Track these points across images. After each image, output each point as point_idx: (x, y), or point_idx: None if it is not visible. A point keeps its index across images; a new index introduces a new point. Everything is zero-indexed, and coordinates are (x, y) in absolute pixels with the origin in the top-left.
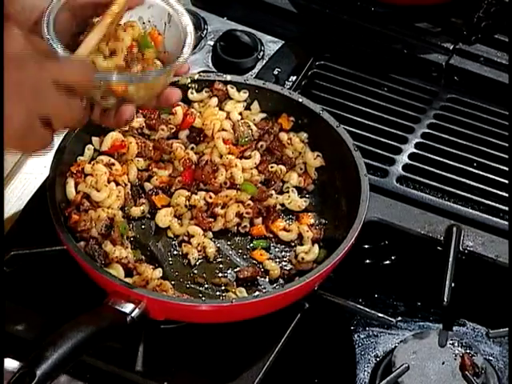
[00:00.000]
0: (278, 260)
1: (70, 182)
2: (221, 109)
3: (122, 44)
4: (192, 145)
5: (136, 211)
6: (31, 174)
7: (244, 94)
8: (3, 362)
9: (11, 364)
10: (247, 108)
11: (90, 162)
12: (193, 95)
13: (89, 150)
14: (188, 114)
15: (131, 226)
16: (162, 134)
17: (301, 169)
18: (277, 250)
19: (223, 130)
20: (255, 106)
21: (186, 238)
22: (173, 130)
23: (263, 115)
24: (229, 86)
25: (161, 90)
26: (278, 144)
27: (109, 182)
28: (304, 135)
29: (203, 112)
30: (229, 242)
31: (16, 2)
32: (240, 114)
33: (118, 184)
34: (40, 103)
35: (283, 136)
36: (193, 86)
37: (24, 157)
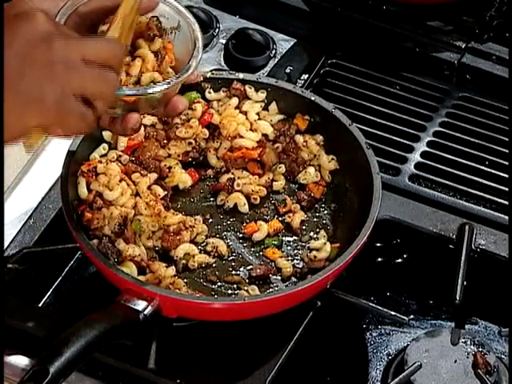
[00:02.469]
0: (290, 258)
1: (82, 182)
2: (237, 107)
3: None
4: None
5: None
6: (44, 171)
7: (262, 94)
8: (3, 361)
9: (23, 361)
10: (265, 108)
11: (101, 161)
12: (210, 95)
13: (104, 150)
14: (207, 112)
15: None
16: (177, 124)
17: (315, 170)
18: (289, 248)
19: (240, 136)
20: (273, 106)
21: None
22: (185, 120)
23: (281, 116)
24: (247, 86)
25: (169, 100)
26: (293, 146)
27: (121, 180)
28: (320, 137)
29: (222, 111)
30: (241, 240)
31: (23, 7)
32: (257, 114)
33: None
34: (73, 80)
35: (299, 138)
36: (207, 85)
37: (35, 155)
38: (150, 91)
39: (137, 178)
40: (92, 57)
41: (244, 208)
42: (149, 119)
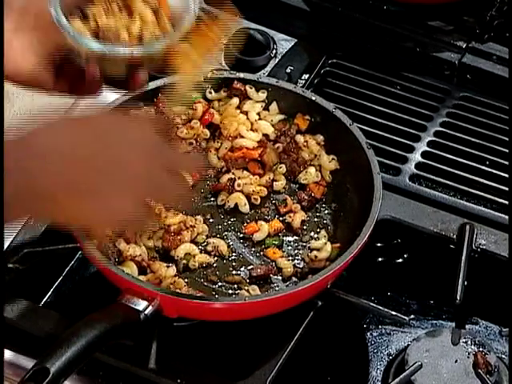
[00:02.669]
0: (290, 258)
1: None
2: (238, 107)
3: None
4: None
5: None
6: None
7: (262, 94)
8: (3, 361)
9: (24, 361)
10: (265, 108)
11: None
12: (211, 94)
13: None
14: (207, 112)
15: None
16: (178, 124)
17: (316, 170)
18: (290, 248)
19: (241, 136)
20: (274, 106)
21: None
22: (187, 122)
23: (281, 116)
24: (247, 86)
25: (168, 53)
26: (294, 146)
27: None
28: (320, 137)
29: (223, 111)
30: (242, 240)
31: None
32: (258, 114)
33: None
34: (152, 192)
35: (299, 138)
36: (207, 85)
37: None
38: (155, 48)
39: None
40: (175, 166)
41: (245, 208)
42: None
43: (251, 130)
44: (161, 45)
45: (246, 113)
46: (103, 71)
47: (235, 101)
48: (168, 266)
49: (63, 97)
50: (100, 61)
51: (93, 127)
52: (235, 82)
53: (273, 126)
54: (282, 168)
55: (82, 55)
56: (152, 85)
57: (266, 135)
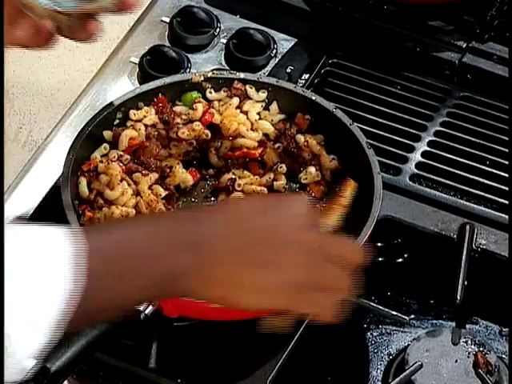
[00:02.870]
0: None
1: (83, 181)
2: (238, 107)
3: None
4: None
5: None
6: (44, 171)
7: (262, 94)
8: (3, 361)
9: None
10: (266, 108)
11: (101, 161)
12: (211, 94)
13: (105, 150)
14: (208, 111)
15: None
16: (178, 124)
17: (316, 170)
18: None
19: (241, 136)
20: (274, 106)
21: None
22: (187, 122)
23: (282, 116)
24: (247, 86)
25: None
26: (294, 145)
27: (122, 180)
28: (320, 137)
29: (223, 111)
30: None
31: None
32: (258, 114)
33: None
34: (318, 273)
35: (300, 138)
36: (207, 85)
37: (36, 154)
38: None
39: (138, 177)
40: (337, 259)
41: None
42: (150, 119)
43: (251, 129)
44: None
45: (246, 112)
46: (56, 24)
47: (235, 101)
48: None
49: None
50: (52, 15)
51: (247, 205)
52: (235, 81)
53: (273, 125)
54: (283, 168)
55: (35, 10)
56: (152, 85)
57: (266, 135)
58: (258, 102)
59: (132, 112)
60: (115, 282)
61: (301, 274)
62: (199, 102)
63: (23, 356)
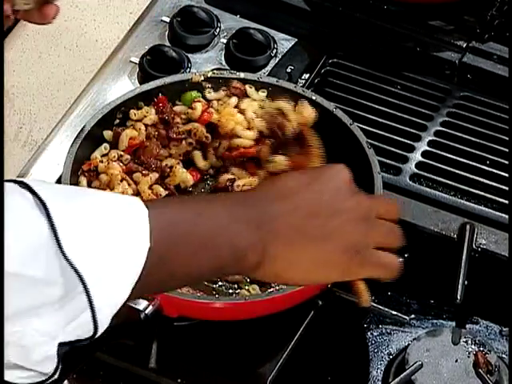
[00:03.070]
0: None
1: (83, 181)
2: (236, 106)
3: None
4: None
5: None
6: (45, 171)
7: (262, 94)
8: (3, 361)
9: None
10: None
11: (102, 161)
12: (210, 94)
13: (105, 149)
14: (206, 111)
15: None
16: (178, 124)
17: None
18: None
19: (238, 136)
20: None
21: None
22: (187, 122)
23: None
24: (247, 86)
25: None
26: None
27: (122, 180)
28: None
29: (221, 110)
30: None
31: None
32: (255, 112)
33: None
34: (374, 234)
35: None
36: (207, 85)
37: (36, 154)
38: None
39: (138, 177)
40: (384, 214)
41: None
42: (150, 119)
43: (248, 128)
44: None
45: (243, 111)
46: (14, 6)
47: (233, 100)
48: None
49: None
50: None
51: (295, 178)
52: (235, 81)
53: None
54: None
55: None
56: (152, 84)
57: (261, 132)
58: (256, 100)
59: (132, 112)
60: (185, 251)
61: (358, 238)
62: (198, 101)
63: (107, 311)
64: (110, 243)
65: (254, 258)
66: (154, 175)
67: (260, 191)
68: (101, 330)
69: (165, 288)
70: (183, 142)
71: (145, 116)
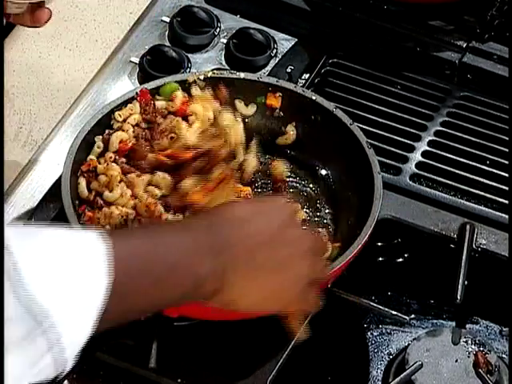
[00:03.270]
0: None
1: (82, 182)
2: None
3: None
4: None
5: None
6: (44, 171)
7: (252, 109)
8: (3, 360)
9: None
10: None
11: (99, 162)
12: (196, 91)
13: (99, 148)
14: (185, 102)
15: None
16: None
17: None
18: None
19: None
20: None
21: None
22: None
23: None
24: (237, 101)
25: None
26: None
27: (121, 181)
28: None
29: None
30: None
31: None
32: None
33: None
34: (304, 269)
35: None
36: (201, 84)
37: (36, 154)
38: None
39: (133, 178)
40: (313, 248)
41: None
42: (134, 119)
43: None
44: None
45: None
46: (6, 10)
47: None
48: None
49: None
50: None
51: (249, 207)
52: (221, 87)
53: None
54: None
55: None
56: (152, 85)
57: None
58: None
59: (117, 113)
60: (146, 282)
61: (304, 271)
62: (177, 93)
63: (72, 350)
64: (68, 283)
65: (213, 285)
66: (147, 177)
67: (219, 217)
68: (67, 370)
69: (128, 318)
70: (164, 138)
71: (130, 114)
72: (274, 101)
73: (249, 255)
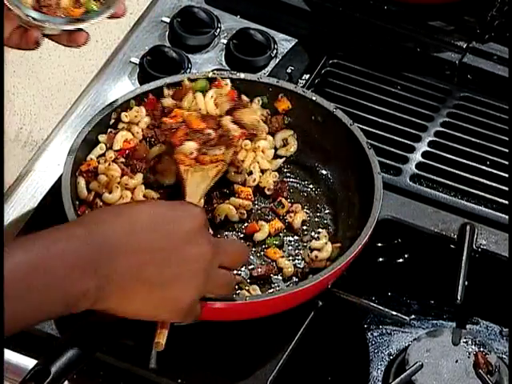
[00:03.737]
0: (291, 258)
1: (81, 182)
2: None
3: None
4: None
5: None
6: (45, 172)
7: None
8: (3, 361)
9: (25, 361)
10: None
11: (99, 162)
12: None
13: (101, 150)
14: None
15: None
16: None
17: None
18: (290, 248)
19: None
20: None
21: None
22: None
23: (264, 111)
24: (243, 95)
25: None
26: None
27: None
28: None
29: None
30: (242, 240)
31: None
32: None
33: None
34: (208, 286)
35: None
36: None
37: (37, 154)
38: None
39: (126, 180)
40: (228, 264)
41: (236, 218)
42: (145, 122)
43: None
44: (87, 21)
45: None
46: (43, 31)
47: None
48: None
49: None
50: (40, 26)
51: (148, 216)
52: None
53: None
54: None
55: (22, 20)
56: (152, 85)
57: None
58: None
59: (123, 114)
60: (25, 296)
61: (192, 291)
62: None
63: None
64: None
65: (85, 304)
66: (140, 175)
67: (111, 224)
68: None
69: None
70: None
71: (135, 116)
72: (284, 105)
73: (133, 270)
